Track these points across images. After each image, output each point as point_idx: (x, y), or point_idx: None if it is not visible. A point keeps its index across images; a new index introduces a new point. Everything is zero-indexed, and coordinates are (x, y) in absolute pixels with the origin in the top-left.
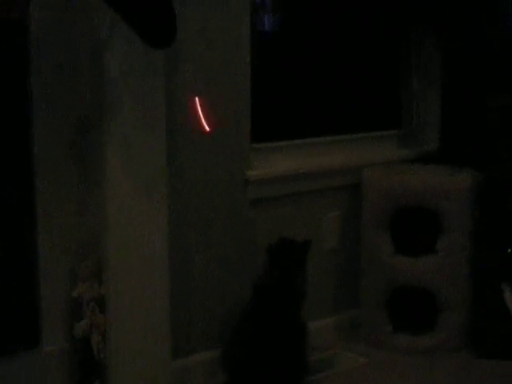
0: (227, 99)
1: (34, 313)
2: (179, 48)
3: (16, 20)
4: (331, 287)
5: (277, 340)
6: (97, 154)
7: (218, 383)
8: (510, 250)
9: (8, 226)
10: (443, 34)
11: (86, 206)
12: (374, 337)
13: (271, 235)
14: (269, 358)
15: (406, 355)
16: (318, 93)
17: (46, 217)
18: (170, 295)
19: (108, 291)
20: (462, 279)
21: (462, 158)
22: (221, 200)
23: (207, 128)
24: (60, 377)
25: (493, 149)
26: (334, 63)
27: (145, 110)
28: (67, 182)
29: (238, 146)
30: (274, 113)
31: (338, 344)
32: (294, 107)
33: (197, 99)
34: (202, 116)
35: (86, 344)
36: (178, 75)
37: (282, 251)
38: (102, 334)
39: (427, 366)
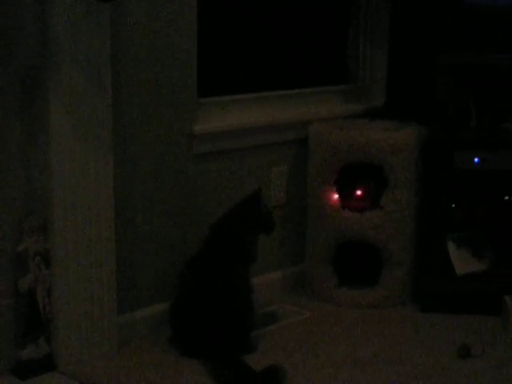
0: (173, 53)
1: None
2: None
3: None
4: (278, 242)
5: (219, 293)
6: (41, 108)
7: (164, 338)
8: (453, 206)
9: None
10: None
11: (31, 160)
12: (319, 291)
13: (218, 190)
14: (212, 313)
15: (350, 309)
16: (266, 47)
17: None
18: (115, 250)
19: (53, 246)
20: (407, 234)
21: (408, 113)
22: (167, 155)
23: None
24: (5, 333)
25: (439, 105)
26: (282, 17)
27: (90, 65)
28: (11, 137)
29: (184, 101)
30: (220, 67)
31: (283, 298)
32: (242, 62)
33: None
34: None
35: (31, 299)
36: (122, 27)
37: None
38: (47, 288)
39: (371, 320)
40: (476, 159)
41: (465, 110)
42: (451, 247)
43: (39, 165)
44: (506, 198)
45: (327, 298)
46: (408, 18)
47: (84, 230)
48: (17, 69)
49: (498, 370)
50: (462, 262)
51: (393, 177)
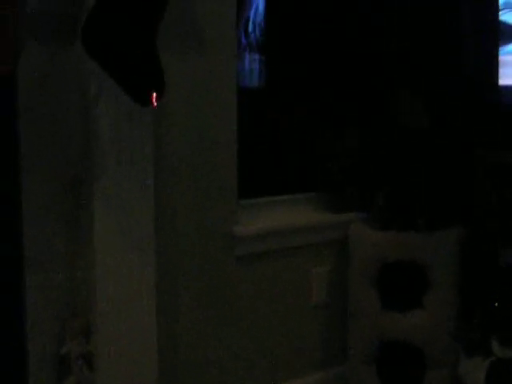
0: (214, 156)
1: (22, 370)
2: (166, 104)
3: (5, 76)
4: (319, 342)
5: None
6: (86, 212)
7: None
8: (497, 305)
9: None
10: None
11: (75, 263)
12: None
13: (259, 291)
14: None
15: None
16: (301, 148)
17: (34, 273)
18: (157, 352)
19: (96, 349)
20: (449, 335)
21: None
22: (208, 257)
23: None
24: None
25: (479, 203)
26: (316, 119)
27: (133, 169)
28: (56, 239)
29: (224, 203)
30: (259, 169)
31: None
32: (279, 163)
33: None
34: None
35: None
36: (164, 129)
37: None
38: None
39: None
40: None
41: (508, 208)
42: (495, 347)
43: (83, 268)
44: None
45: None
46: (443, 114)
47: (127, 334)
48: (62, 172)
49: None
50: None
51: (434, 276)
